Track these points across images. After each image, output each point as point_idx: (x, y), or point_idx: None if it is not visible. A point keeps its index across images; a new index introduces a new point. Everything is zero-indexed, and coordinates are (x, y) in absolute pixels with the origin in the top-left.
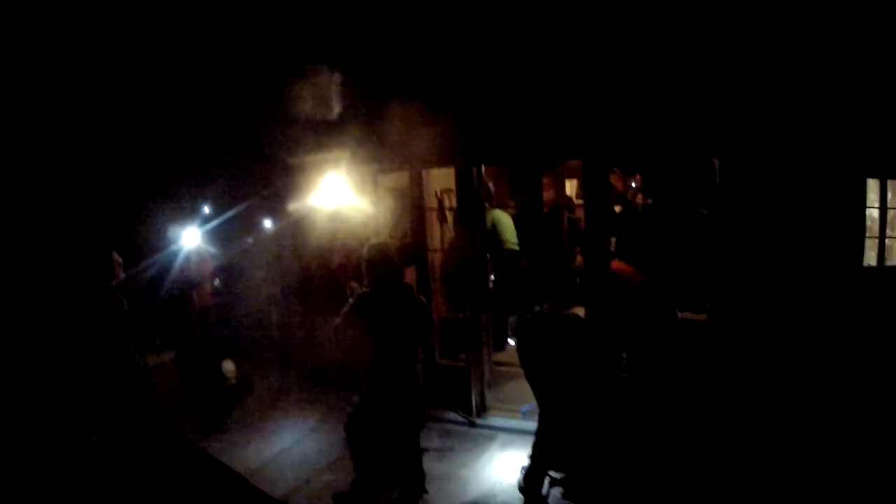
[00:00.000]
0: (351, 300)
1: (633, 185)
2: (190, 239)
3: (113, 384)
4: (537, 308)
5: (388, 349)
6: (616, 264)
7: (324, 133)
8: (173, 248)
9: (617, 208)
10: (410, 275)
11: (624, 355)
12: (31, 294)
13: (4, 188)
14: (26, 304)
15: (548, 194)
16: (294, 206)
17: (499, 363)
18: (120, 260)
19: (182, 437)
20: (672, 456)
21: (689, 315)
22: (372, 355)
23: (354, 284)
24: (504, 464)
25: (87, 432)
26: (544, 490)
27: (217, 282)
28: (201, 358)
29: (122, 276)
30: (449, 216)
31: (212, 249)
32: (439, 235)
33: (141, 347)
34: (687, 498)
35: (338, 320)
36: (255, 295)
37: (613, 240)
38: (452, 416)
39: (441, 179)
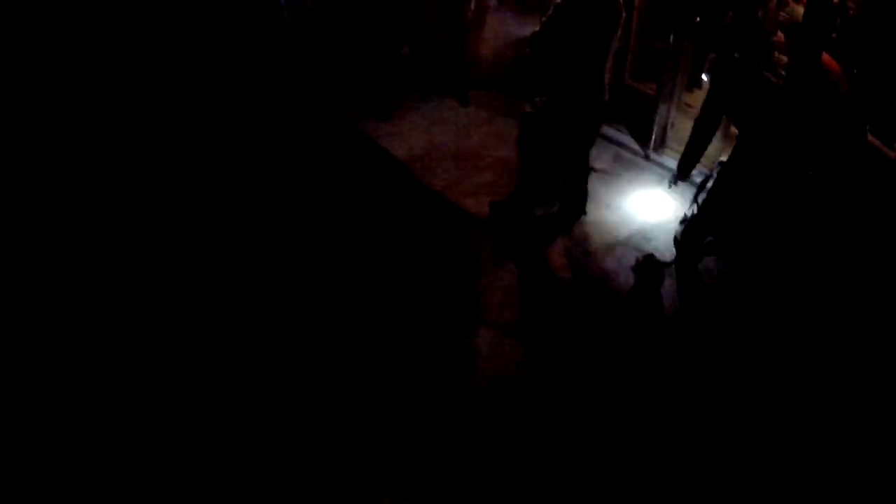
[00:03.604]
0: (555, 4)
1: None
2: None
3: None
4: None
5: (581, 55)
6: (827, 58)
7: None
8: None
9: None
10: None
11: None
12: None
13: None
14: None
15: None
16: None
17: (687, 104)
18: None
19: (347, 121)
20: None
21: (877, 143)
22: (564, 60)
23: None
24: (666, 209)
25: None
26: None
27: None
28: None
29: None
30: None
31: None
32: None
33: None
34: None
35: (536, 29)
36: None
37: None
38: (628, 142)
39: None
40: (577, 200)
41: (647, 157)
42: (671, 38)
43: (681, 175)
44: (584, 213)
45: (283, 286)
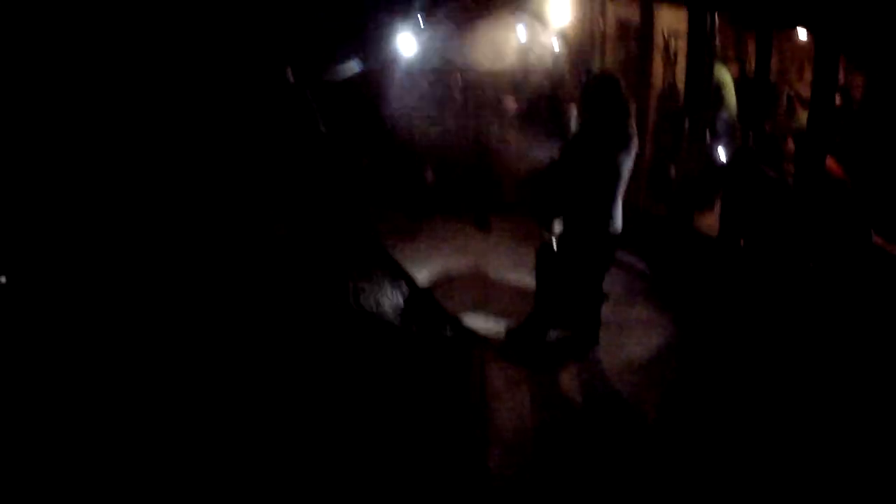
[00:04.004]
0: (572, 131)
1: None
2: (406, 46)
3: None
4: None
5: (598, 185)
6: (830, 162)
7: None
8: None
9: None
10: None
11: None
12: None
13: None
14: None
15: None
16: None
17: (697, 226)
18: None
19: (376, 240)
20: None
21: (881, 242)
22: (581, 189)
23: (572, 109)
24: (678, 334)
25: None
26: None
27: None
28: (401, 161)
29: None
30: (674, 61)
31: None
32: (661, 78)
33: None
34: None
35: (555, 155)
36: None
37: None
38: (641, 267)
39: (670, 19)
40: (590, 327)
41: (659, 282)
42: (682, 159)
43: None
44: (597, 340)
45: (305, 392)
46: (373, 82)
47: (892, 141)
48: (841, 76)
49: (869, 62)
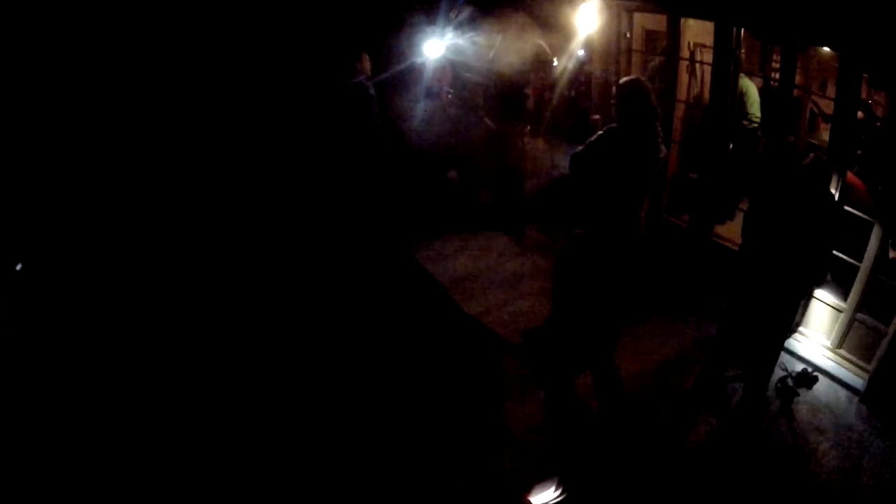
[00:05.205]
0: (599, 132)
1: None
2: (432, 50)
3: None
4: None
5: (620, 190)
6: (851, 177)
7: None
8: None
9: (859, 114)
10: None
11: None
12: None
13: None
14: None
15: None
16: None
17: (718, 235)
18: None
19: (399, 240)
20: None
21: None
22: (602, 193)
23: (597, 117)
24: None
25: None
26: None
27: (450, 93)
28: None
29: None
30: (699, 71)
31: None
32: (686, 88)
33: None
34: None
35: (579, 148)
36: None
37: None
38: (660, 275)
39: (696, 31)
40: (609, 332)
41: (677, 291)
42: (701, 170)
43: None
44: (615, 344)
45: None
46: (397, 87)
47: None
48: (864, 92)
49: (891, 80)
